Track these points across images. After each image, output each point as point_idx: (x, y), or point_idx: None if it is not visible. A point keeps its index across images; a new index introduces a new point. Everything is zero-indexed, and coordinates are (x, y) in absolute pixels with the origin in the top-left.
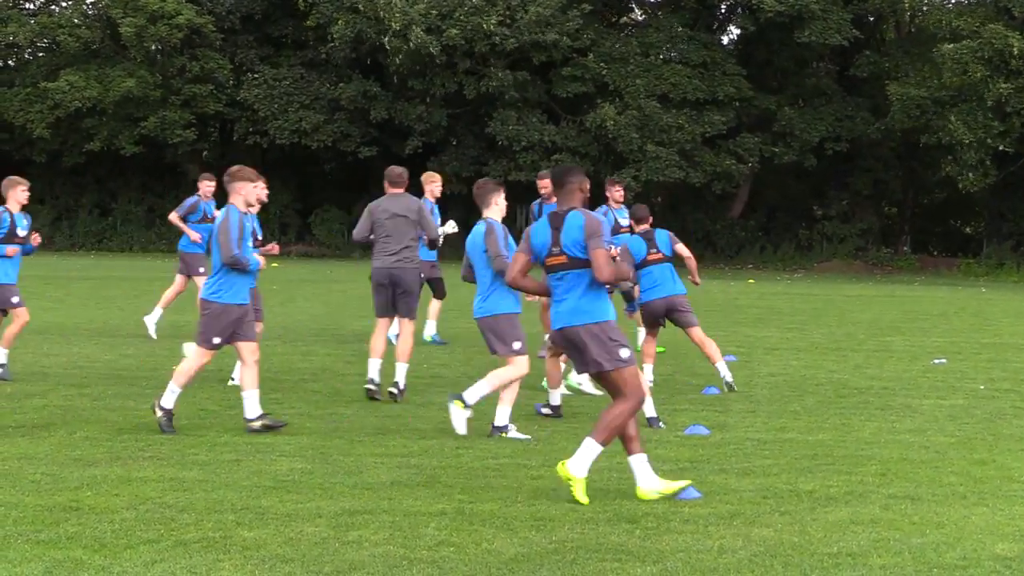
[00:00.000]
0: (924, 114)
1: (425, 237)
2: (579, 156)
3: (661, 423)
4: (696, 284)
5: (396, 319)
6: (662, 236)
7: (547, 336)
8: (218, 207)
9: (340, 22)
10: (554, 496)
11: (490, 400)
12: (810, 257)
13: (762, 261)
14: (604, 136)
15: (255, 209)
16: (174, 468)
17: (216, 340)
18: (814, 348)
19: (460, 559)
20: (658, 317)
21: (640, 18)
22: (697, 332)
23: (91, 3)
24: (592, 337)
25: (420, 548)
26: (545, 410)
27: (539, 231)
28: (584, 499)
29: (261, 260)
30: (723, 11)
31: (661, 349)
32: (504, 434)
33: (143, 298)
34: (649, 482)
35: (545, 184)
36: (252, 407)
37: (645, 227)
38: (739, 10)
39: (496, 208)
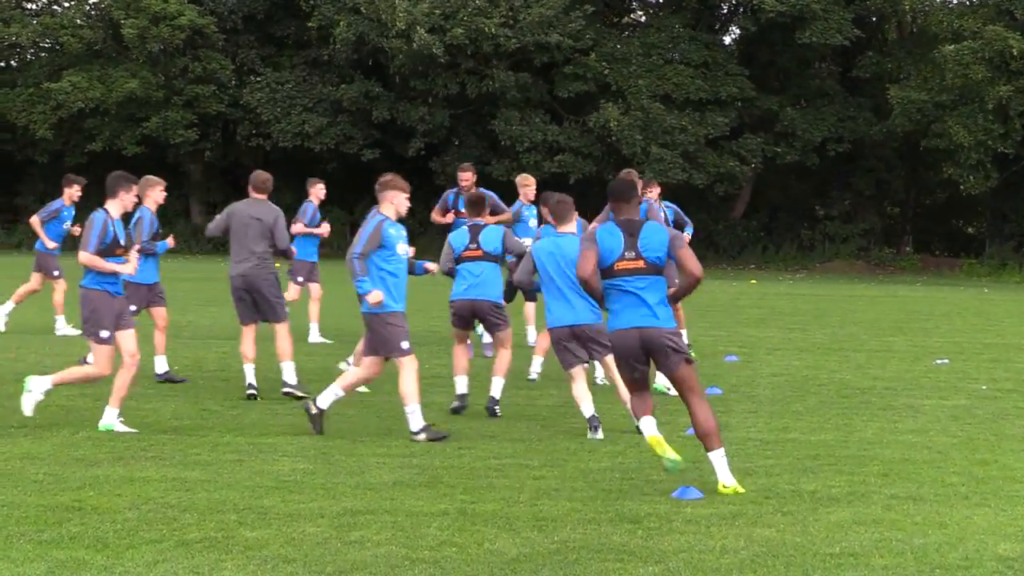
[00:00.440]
0: (925, 117)
1: (278, 246)
2: (582, 156)
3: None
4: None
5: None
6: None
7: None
8: (80, 213)
9: (342, 23)
10: (556, 496)
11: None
12: (812, 257)
13: (764, 261)
14: (607, 137)
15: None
16: (176, 468)
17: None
18: (816, 348)
19: (462, 559)
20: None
21: (642, 18)
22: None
23: (93, 4)
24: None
25: (422, 548)
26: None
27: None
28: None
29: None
30: (725, 11)
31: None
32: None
33: None
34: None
35: (467, 177)
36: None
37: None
38: (740, 10)
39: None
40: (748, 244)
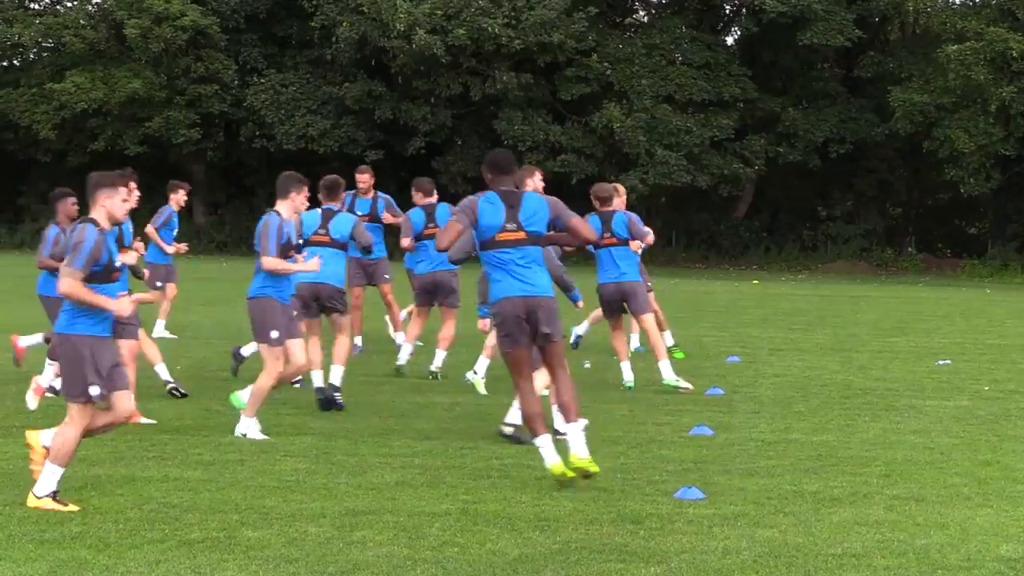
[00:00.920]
0: (926, 119)
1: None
2: (584, 157)
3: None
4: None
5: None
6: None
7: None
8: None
9: (345, 23)
10: (557, 497)
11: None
12: (814, 258)
13: (766, 262)
14: (609, 137)
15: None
16: (178, 468)
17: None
18: (818, 349)
19: (464, 559)
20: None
21: (644, 19)
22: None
23: (96, 4)
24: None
25: (424, 548)
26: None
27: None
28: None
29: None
30: (727, 12)
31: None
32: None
33: None
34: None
35: (364, 179)
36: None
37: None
38: (743, 11)
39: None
40: (750, 244)
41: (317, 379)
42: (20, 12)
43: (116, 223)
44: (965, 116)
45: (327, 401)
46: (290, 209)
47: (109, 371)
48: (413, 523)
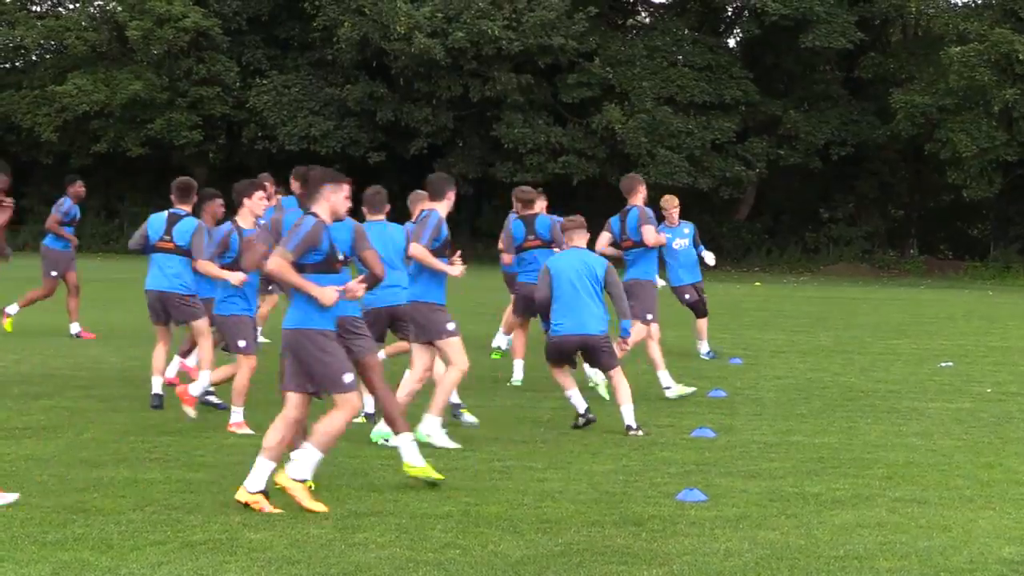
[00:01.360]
0: (929, 121)
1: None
2: (585, 158)
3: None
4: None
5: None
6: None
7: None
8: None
9: (346, 24)
10: (560, 499)
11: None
12: (816, 260)
13: (768, 264)
14: (611, 137)
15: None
16: (181, 470)
17: None
18: (820, 351)
19: (466, 561)
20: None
21: (646, 20)
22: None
23: (98, 6)
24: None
25: (426, 550)
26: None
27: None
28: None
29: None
30: (729, 14)
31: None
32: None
33: None
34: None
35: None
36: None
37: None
38: (744, 13)
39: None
40: (752, 247)
41: (156, 385)
42: (22, 14)
43: (337, 219)
44: (967, 119)
45: (199, 402)
46: (447, 208)
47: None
48: (415, 525)
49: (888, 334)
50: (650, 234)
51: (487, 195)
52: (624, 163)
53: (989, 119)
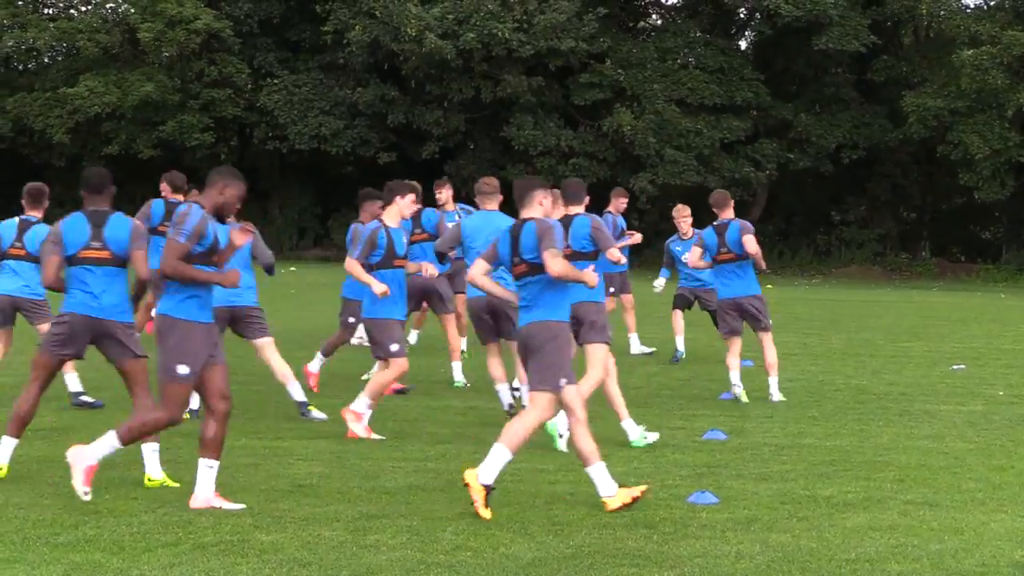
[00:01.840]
0: (941, 124)
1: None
2: (596, 161)
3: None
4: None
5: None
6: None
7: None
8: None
9: (357, 27)
10: (571, 501)
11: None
12: (828, 262)
13: (780, 266)
14: (621, 140)
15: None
16: (192, 471)
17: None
18: (832, 353)
19: (477, 564)
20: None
21: (658, 23)
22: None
23: (110, 8)
24: None
25: (437, 552)
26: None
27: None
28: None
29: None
30: (741, 16)
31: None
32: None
33: None
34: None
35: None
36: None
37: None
38: (757, 15)
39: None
40: (764, 249)
41: None
42: (35, 16)
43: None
44: (980, 121)
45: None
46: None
47: None
48: (426, 527)
49: (900, 336)
50: (753, 244)
51: None
52: (634, 166)
53: (1002, 121)
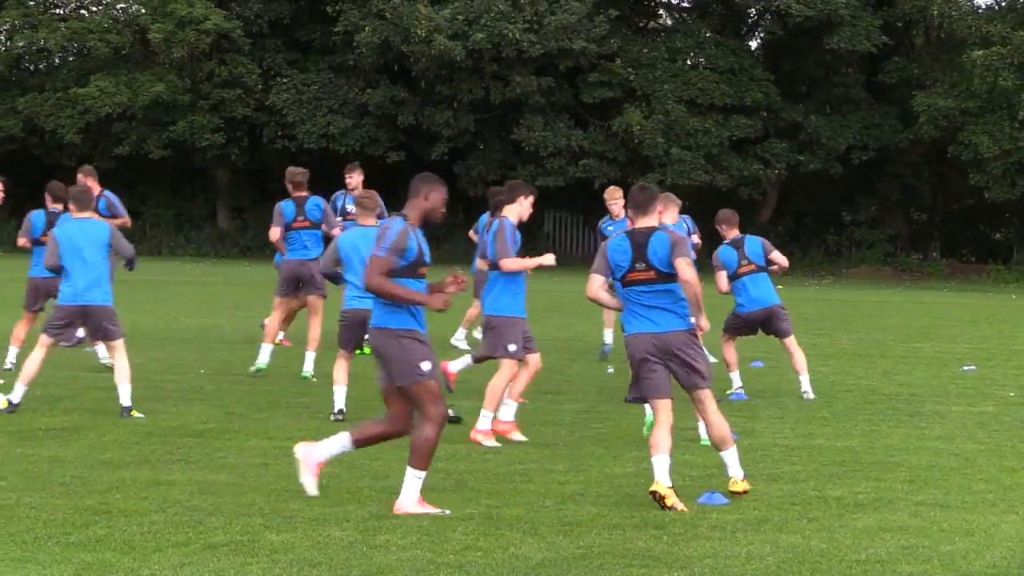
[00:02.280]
0: (952, 124)
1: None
2: (606, 161)
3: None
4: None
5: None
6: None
7: None
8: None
9: (367, 28)
10: (581, 501)
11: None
12: (839, 263)
13: (791, 267)
14: (630, 141)
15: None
16: (202, 472)
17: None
18: (843, 354)
19: (487, 564)
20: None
21: (668, 23)
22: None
23: (121, 8)
24: None
25: (447, 552)
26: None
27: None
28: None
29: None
30: (752, 16)
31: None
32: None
33: (171, 302)
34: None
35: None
36: None
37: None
38: (767, 15)
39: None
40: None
41: None
42: (46, 17)
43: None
44: (991, 121)
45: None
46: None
47: None
48: (436, 527)
49: (911, 337)
50: (783, 257)
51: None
52: (644, 166)
53: (1012, 122)
